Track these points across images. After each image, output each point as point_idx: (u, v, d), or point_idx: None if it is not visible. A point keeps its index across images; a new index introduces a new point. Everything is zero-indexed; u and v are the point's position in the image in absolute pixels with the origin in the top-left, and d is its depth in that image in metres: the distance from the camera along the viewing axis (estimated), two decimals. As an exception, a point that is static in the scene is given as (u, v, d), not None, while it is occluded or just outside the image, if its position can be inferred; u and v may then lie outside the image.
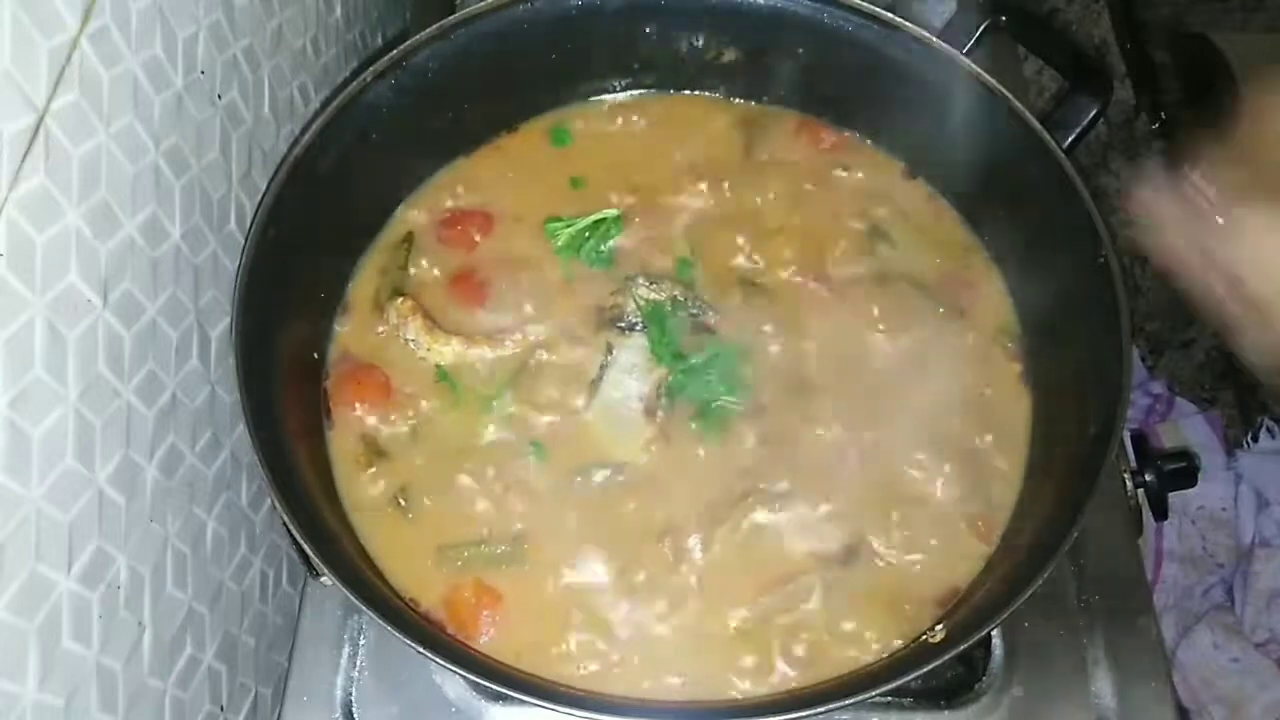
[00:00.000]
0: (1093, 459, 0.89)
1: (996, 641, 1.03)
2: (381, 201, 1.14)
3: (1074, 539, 0.84)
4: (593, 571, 0.96)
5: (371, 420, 1.03)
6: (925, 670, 0.82)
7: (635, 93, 1.22)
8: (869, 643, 0.93)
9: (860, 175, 1.18)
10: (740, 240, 1.13)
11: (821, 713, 0.81)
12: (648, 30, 1.15)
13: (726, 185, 1.16)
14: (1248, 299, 0.77)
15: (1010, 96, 1.03)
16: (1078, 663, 1.02)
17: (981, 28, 1.12)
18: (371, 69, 1.02)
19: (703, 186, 1.16)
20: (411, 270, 1.11)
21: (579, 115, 1.21)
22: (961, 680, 1.02)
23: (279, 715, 1.01)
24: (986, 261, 1.13)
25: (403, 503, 0.98)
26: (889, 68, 1.08)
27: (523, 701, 0.81)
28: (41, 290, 0.75)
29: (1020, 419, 1.04)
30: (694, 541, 0.97)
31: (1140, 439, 1.09)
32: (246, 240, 0.93)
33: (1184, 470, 1.09)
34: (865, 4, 1.07)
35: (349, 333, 1.08)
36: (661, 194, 1.16)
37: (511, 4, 1.07)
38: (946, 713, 1.00)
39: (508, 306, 1.09)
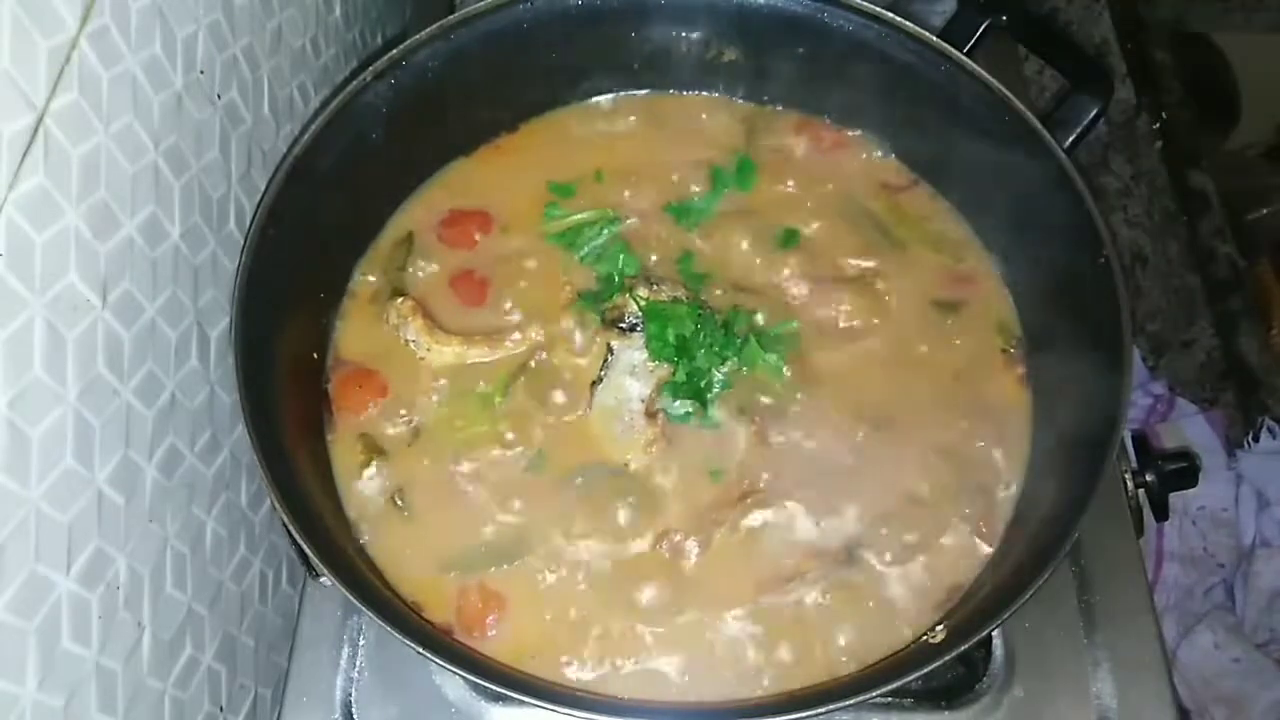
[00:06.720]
0: (1093, 459, 0.89)
1: (997, 642, 1.03)
2: (381, 201, 1.14)
3: (1075, 539, 0.84)
4: (593, 572, 0.96)
5: (371, 420, 1.03)
6: (926, 671, 0.82)
7: (636, 93, 1.22)
8: (870, 643, 0.93)
9: (860, 175, 1.18)
10: (740, 240, 1.13)
11: (822, 713, 0.81)
12: (648, 30, 1.15)
13: (726, 185, 1.16)
14: None
15: (1010, 96, 1.02)
16: (1078, 663, 1.02)
17: (981, 28, 1.12)
18: (371, 69, 1.02)
19: (702, 186, 1.16)
20: (411, 270, 1.11)
21: (579, 115, 1.21)
22: (962, 681, 1.02)
23: (278, 716, 1.00)
24: (986, 261, 1.13)
25: (400, 503, 0.98)
26: (889, 67, 1.08)
27: (523, 702, 0.81)
28: (41, 290, 0.75)
29: (1020, 419, 1.04)
30: (693, 542, 0.97)
31: (1141, 439, 1.09)
32: (246, 240, 0.93)
33: (1185, 470, 1.09)
34: (865, 4, 1.07)
35: (349, 333, 1.08)
36: (661, 194, 1.16)
37: (511, 4, 1.07)
38: (947, 713, 1.00)
39: (508, 306, 1.09)
